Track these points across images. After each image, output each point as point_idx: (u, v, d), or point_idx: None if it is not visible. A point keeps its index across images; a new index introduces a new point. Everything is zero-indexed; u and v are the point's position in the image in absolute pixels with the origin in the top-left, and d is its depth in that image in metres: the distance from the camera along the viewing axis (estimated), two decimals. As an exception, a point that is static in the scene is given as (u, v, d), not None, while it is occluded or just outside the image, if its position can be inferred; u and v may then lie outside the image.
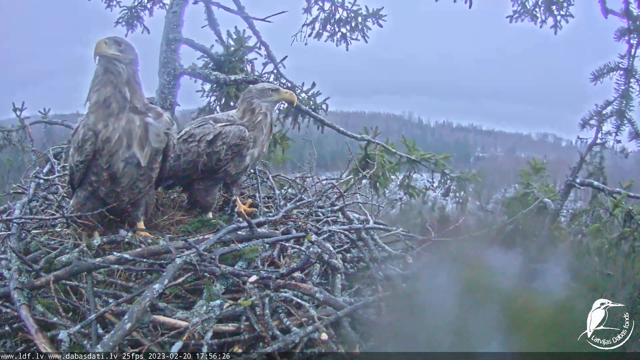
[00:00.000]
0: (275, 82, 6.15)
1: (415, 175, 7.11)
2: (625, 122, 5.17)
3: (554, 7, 6.53)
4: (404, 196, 7.19)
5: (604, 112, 5.22)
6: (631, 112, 5.16)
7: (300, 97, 6.31)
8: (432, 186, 7.14)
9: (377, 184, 6.61)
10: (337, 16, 7.09)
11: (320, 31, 7.19)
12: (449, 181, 7.03)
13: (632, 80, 5.08)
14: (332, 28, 7.16)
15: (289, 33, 7.28)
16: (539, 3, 6.62)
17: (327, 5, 7.08)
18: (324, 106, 6.54)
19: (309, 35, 7.20)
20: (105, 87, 3.25)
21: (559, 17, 6.61)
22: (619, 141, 5.86)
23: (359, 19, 7.03)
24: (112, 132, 3.24)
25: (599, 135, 5.43)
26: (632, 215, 5.36)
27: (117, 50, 3.27)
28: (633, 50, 5.05)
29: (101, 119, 3.24)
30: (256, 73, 6.14)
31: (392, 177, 6.92)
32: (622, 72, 5.07)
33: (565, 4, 6.52)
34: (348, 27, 7.12)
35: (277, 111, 4.30)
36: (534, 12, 6.70)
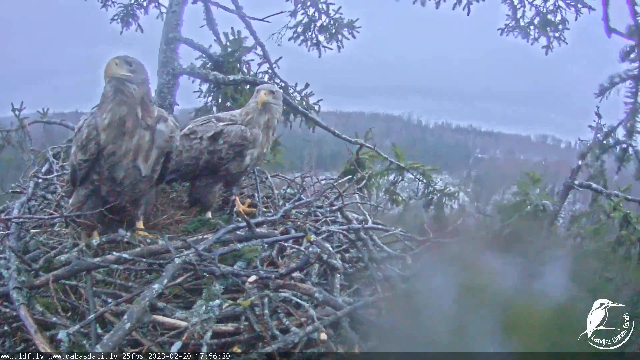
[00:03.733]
0: (270, 82, 6.15)
1: (402, 183, 7.08)
2: (629, 152, 5.00)
3: (548, 28, 6.53)
4: (387, 202, 7.14)
5: (604, 142, 5.07)
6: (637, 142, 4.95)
7: (292, 97, 6.30)
8: (416, 196, 7.09)
9: (364, 189, 6.58)
10: (319, 23, 7.15)
11: (299, 35, 7.23)
12: (431, 194, 6.99)
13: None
14: (310, 34, 7.22)
15: (285, 33, 7.30)
16: (534, 22, 6.62)
17: (311, 11, 7.12)
18: (316, 107, 6.54)
19: (289, 39, 7.24)
20: (120, 107, 3.22)
21: (552, 39, 6.62)
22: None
23: (337, 26, 7.10)
24: (119, 149, 3.27)
25: (599, 136, 5.41)
26: (629, 219, 5.33)
27: (128, 71, 3.22)
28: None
29: (113, 139, 3.25)
30: (252, 73, 6.14)
31: (379, 182, 6.89)
32: (631, 82, 4.82)
33: (560, 27, 6.52)
34: (327, 35, 7.18)
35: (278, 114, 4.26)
36: (528, 30, 6.70)
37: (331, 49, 7.24)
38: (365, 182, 5.99)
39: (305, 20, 7.17)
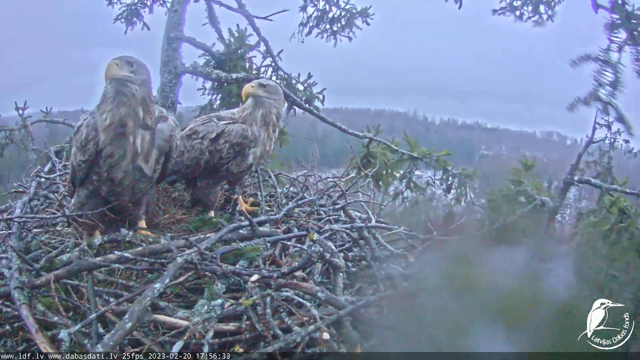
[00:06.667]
0: (272, 75, 6.17)
1: (418, 172, 7.12)
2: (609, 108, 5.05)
3: (542, 7, 6.60)
4: (406, 190, 7.17)
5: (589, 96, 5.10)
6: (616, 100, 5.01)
7: (296, 88, 6.30)
8: (434, 183, 7.15)
9: (380, 182, 6.60)
10: (331, 15, 7.19)
11: (312, 28, 7.27)
12: (450, 178, 7.03)
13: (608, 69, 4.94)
14: (324, 25, 7.26)
15: (287, 29, 7.34)
16: (527, 2, 6.70)
17: (321, 4, 7.17)
18: (320, 96, 6.53)
19: (305, 35, 7.27)
20: (119, 108, 3.19)
21: (545, 16, 6.69)
22: (627, 141, 5.84)
23: (349, 16, 7.14)
24: (118, 150, 3.24)
25: (607, 134, 5.41)
26: (625, 211, 5.32)
27: (129, 71, 3.19)
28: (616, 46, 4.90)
29: (112, 140, 3.22)
30: (255, 68, 6.15)
31: (395, 173, 6.91)
32: (601, 63, 4.91)
33: (552, 4, 6.59)
34: (339, 25, 7.22)
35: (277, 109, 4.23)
36: (522, 10, 6.79)
37: (349, 37, 7.29)
38: (380, 178, 6.03)
39: (317, 14, 7.21)
